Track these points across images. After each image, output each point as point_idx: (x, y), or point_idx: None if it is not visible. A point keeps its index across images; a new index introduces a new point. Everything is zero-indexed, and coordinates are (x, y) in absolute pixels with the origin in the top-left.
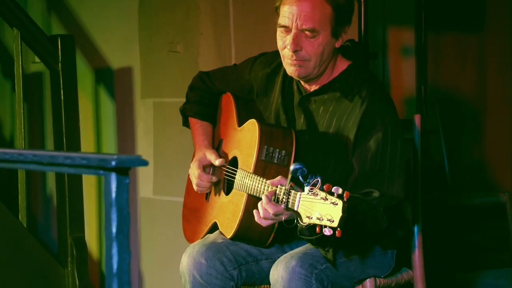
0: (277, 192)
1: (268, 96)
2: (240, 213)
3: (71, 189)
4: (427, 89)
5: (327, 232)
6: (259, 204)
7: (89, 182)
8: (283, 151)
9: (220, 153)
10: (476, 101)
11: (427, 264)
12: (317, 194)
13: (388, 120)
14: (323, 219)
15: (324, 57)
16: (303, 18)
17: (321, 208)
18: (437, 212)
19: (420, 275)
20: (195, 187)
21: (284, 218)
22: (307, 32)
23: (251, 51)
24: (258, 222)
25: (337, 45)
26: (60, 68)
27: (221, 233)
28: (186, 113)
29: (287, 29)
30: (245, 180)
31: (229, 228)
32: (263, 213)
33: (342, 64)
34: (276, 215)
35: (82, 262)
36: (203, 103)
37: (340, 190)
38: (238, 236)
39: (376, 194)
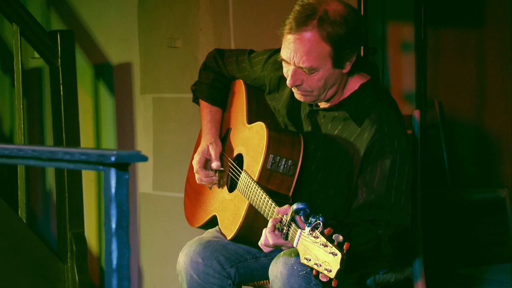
0: (264, 205)
1: (279, 97)
2: (241, 219)
3: (71, 185)
4: (426, 84)
5: (323, 278)
6: (264, 230)
7: (88, 178)
8: (290, 161)
9: (226, 143)
10: (476, 96)
11: (427, 259)
12: (318, 237)
13: (398, 145)
14: (321, 266)
15: (329, 86)
16: (299, 58)
17: (320, 254)
18: (436, 208)
19: (419, 271)
20: (197, 180)
21: (284, 249)
22: (305, 70)
23: (250, 46)
24: (260, 246)
25: (345, 70)
26: (59, 63)
27: (220, 230)
28: (197, 95)
29: (287, 62)
30: (249, 188)
31: (228, 230)
32: (264, 240)
33: (354, 83)
34: (276, 245)
35: (81, 258)
36: (215, 86)
37: (340, 238)
38: (238, 239)
39: (381, 223)
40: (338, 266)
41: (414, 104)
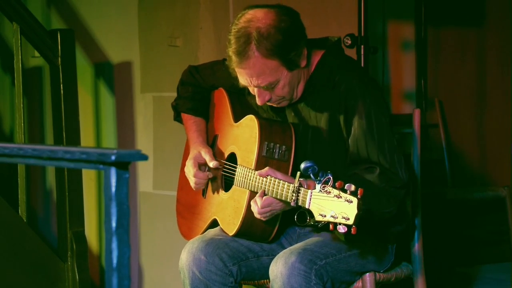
0: (266, 185)
1: None
2: (243, 210)
3: (71, 184)
4: (427, 83)
5: (341, 229)
6: (252, 202)
7: (88, 177)
8: (283, 146)
9: (215, 149)
10: (476, 95)
11: (427, 258)
12: (330, 191)
13: (370, 100)
14: (337, 217)
15: (296, 85)
16: (255, 80)
17: (335, 206)
18: (437, 207)
19: (420, 270)
20: (192, 185)
21: (276, 211)
22: (266, 88)
23: None
24: (257, 217)
25: (303, 65)
26: (59, 62)
27: (221, 229)
28: (178, 109)
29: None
30: (248, 177)
31: (231, 225)
32: (257, 208)
33: (315, 56)
34: (270, 206)
35: (81, 257)
36: (196, 98)
37: (352, 187)
38: (241, 233)
39: (377, 171)
40: (355, 211)
41: (414, 103)
